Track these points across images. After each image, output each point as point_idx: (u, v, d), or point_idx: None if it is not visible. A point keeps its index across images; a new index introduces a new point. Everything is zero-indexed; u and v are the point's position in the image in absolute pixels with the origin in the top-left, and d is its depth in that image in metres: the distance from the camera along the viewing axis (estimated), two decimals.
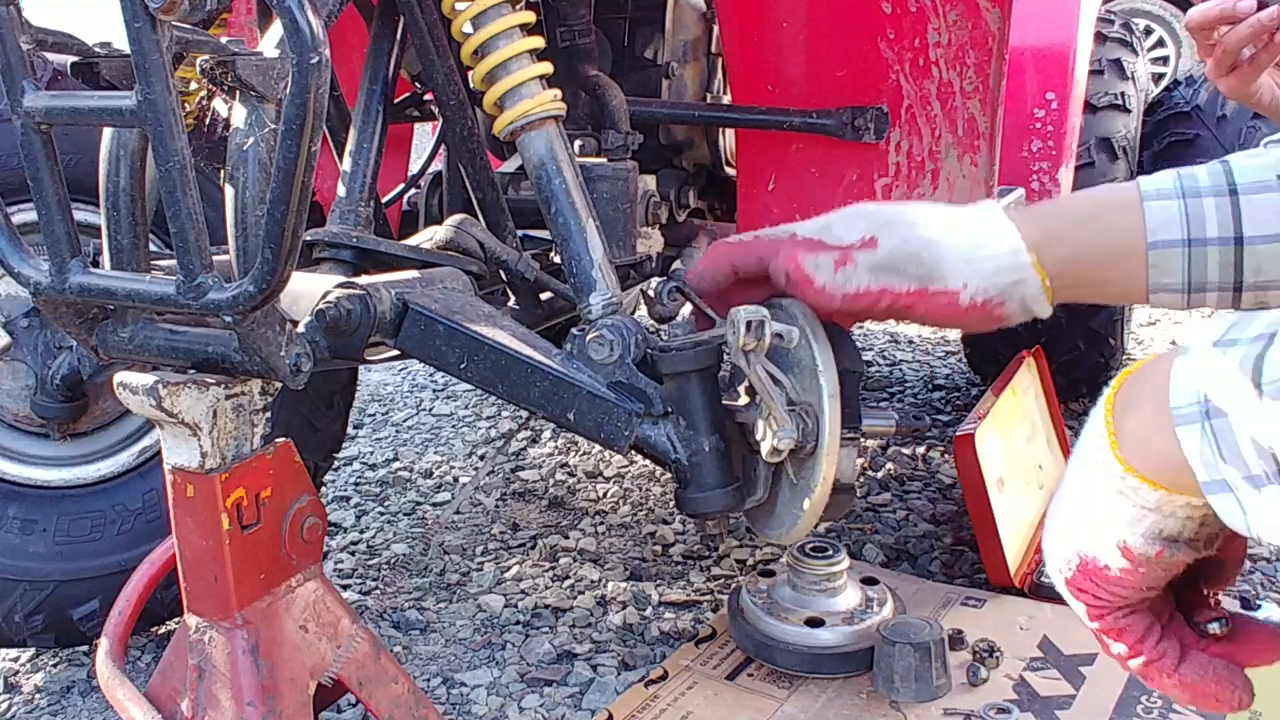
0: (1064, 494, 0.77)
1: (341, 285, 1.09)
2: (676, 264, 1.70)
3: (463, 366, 1.10)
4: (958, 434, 1.65)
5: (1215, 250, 0.80)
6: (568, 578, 1.93)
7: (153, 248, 1.16)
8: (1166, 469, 0.68)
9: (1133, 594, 0.74)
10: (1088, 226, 0.85)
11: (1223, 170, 0.82)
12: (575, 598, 1.85)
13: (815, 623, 1.49)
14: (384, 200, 1.58)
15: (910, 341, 3.35)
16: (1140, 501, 0.70)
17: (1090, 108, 2.30)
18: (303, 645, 1.03)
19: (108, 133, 0.99)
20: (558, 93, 1.26)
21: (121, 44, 0.85)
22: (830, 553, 1.54)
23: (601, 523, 2.15)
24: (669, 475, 1.27)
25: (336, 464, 2.49)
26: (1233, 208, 0.80)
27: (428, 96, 1.73)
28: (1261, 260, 0.79)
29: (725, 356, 1.12)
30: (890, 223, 0.91)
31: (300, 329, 1.07)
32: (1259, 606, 1.61)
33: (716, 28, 1.87)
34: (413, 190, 1.90)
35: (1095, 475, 0.73)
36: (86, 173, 1.13)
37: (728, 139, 1.88)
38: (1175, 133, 2.41)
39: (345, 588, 1.93)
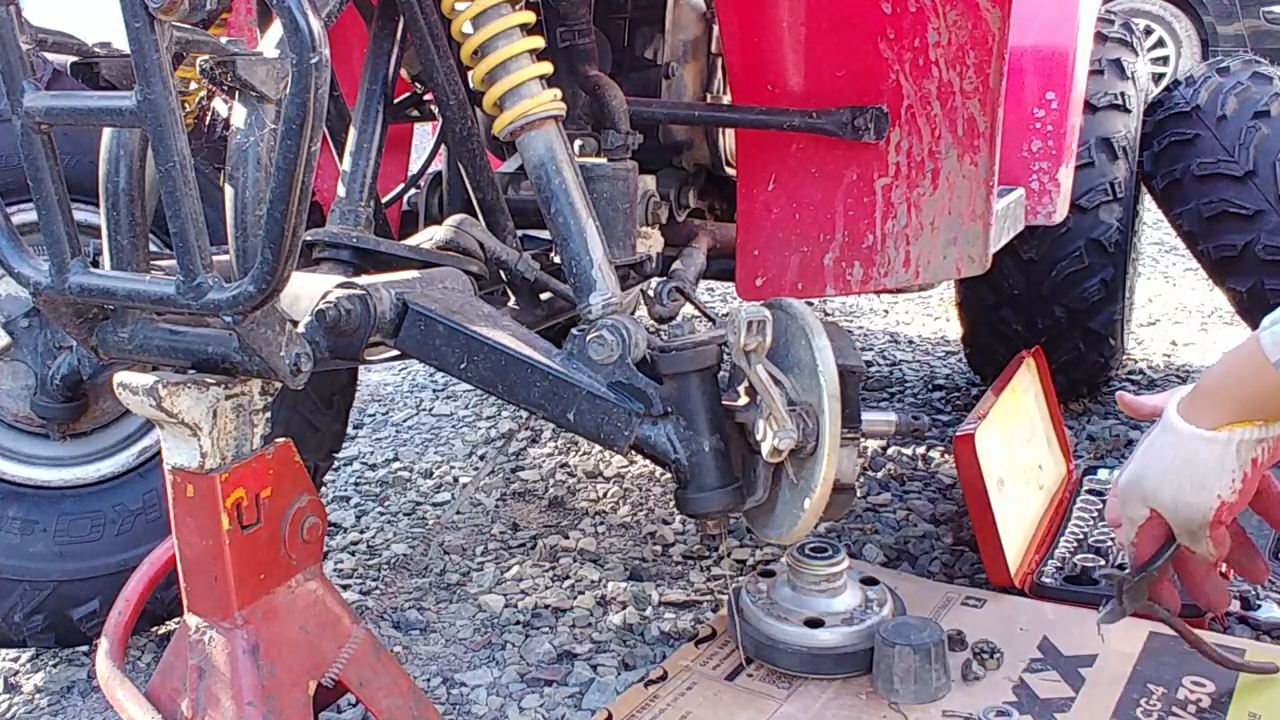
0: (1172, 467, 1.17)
1: (341, 285, 1.09)
2: (676, 264, 1.70)
3: (463, 366, 1.10)
4: (958, 434, 1.65)
5: None
6: (568, 578, 1.93)
7: (153, 248, 1.16)
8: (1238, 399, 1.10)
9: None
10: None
11: None
12: (575, 598, 1.85)
13: (815, 623, 1.49)
14: (384, 200, 1.58)
15: (910, 342, 3.35)
16: (1231, 438, 1.11)
17: (1090, 108, 2.30)
18: (303, 645, 1.03)
19: (108, 133, 0.99)
20: (558, 93, 1.26)
21: (121, 44, 0.85)
22: (830, 553, 1.54)
23: (601, 523, 2.15)
24: (669, 475, 1.27)
25: (336, 464, 2.49)
26: None
27: (428, 96, 1.73)
28: None
29: (725, 357, 1.12)
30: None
31: (300, 329, 1.07)
32: (1259, 606, 1.60)
33: (716, 28, 1.87)
34: (413, 190, 1.90)
35: (1189, 447, 1.14)
36: (86, 173, 1.13)
37: (728, 139, 1.88)
38: (1175, 133, 2.41)
39: (345, 588, 1.93)
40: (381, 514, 2.27)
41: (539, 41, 1.26)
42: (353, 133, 1.38)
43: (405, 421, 2.85)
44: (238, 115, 0.91)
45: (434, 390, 3.08)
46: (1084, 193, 2.25)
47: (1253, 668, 1.34)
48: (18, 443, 1.67)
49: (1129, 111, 2.35)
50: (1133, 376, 2.88)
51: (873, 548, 1.96)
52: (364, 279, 1.13)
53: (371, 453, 2.63)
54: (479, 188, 1.45)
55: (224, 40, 0.90)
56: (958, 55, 1.49)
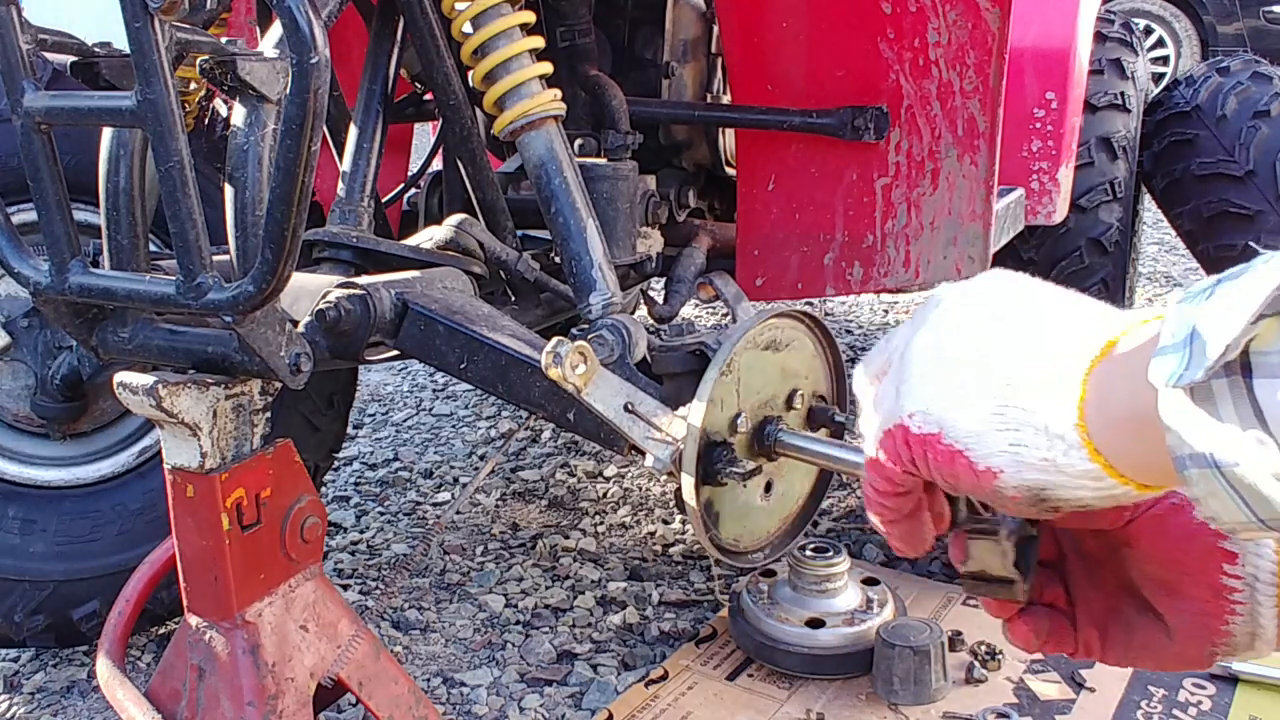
0: (987, 362, 0.64)
1: (341, 285, 1.09)
2: (684, 260, 1.70)
3: (463, 366, 1.10)
4: None
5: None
6: (568, 578, 1.93)
7: (152, 248, 1.16)
8: (1137, 453, 0.57)
9: (943, 485, 0.68)
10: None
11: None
12: (575, 598, 1.85)
13: (816, 623, 1.48)
14: (384, 200, 1.58)
15: None
16: (1060, 460, 0.60)
17: (1090, 108, 2.30)
18: (303, 645, 1.03)
19: (108, 133, 0.99)
20: (558, 93, 1.26)
21: (121, 44, 0.85)
22: (831, 553, 1.54)
23: (601, 523, 2.15)
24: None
25: (336, 464, 2.49)
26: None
27: (428, 96, 1.73)
28: None
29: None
30: None
31: (300, 329, 1.07)
32: None
33: (716, 28, 1.87)
34: (413, 190, 1.89)
35: (1035, 398, 0.62)
36: (86, 173, 1.13)
37: (728, 139, 1.88)
38: (1175, 133, 2.41)
39: (345, 588, 1.93)
40: (381, 514, 2.27)
41: (539, 41, 1.26)
42: (353, 133, 1.38)
43: (405, 421, 2.85)
44: (238, 115, 0.91)
45: (434, 390, 3.08)
46: (1084, 193, 2.25)
47: None
48: (18, 443, 1.67)
49: (1129, 111, 2.35)
50: None
51: (873, 548, 1.96)
52: (364, 279, 1.13)
53: (371, 453, 2.63)
54: (479, 188, 1.45)
55: (224, 40, 0.90)
56: (958, 55, 1.49)
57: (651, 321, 1.63)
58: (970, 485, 0.65)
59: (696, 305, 3.72)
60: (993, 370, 0.64)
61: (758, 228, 1.68)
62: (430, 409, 2.93)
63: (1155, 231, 4.46)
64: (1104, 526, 0.73)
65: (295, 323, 1.08)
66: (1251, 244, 2.15)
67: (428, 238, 1.35)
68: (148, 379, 0.93)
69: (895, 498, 0.72)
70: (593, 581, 1.91)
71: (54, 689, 1.69)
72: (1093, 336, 0.63)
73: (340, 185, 1.36)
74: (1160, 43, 7.74)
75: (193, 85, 1.53)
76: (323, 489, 2.30)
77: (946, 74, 1.51)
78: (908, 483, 0.70)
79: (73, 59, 1.09)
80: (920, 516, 0.73)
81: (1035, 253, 2.33)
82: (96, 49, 1.10)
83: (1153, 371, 0.54)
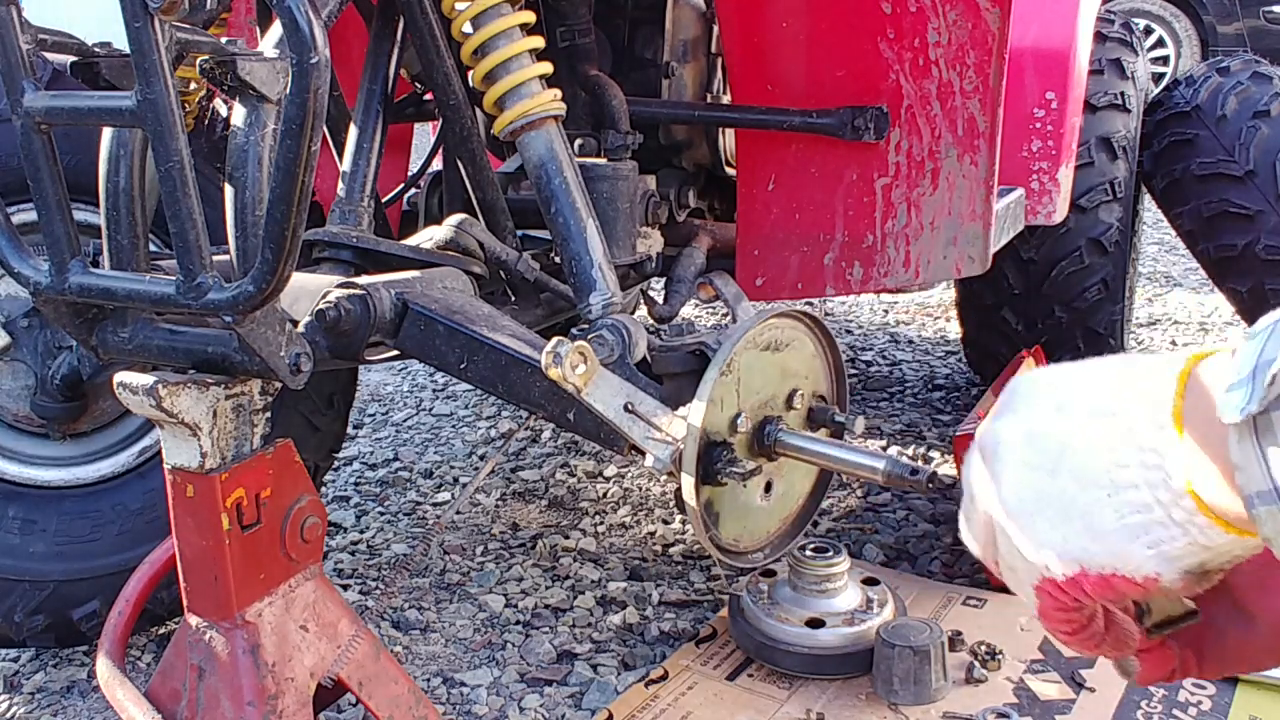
0: (1079, 481, 0.64)
1: (341, 285, 1.09)
2: (681, 260, 1.70)
3: (463, 366, 1.10)
4: (957, 434, 1.65)
5: None
6: (568, 578, 1.93)
7: (152, 248, 1.16)
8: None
9: (1115, 604, 0.69)
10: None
11: None
12: (575, 598, 1.85)
13: (816, 623, 1.48)
14: (384, 200, 1.58)
15: (910, 342, 3.35)
16: (1201, 539, 0.60)
17: (1090, 107, 2.30)
18: (303, 645, 1.03)
19: (108, 133, 0.99)
20: (557, 93, 1.26)
21: (121, 44, 0.85)
22: (831, 553, 1.54)
23: (601, 523, 2.15)
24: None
25: (336, 464, 2.49)
26: None
27: (428, 96, 1.74)
28: None
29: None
30: None
31: (300, 329, 1.07)
32: None
33: (716, 28, 1.87)
34: (413, 190, 1.90)
35: (1145, 495, 0.61)
36: (86, 173, 1.13)
37: (728, 139, 1.88)
38: (1175, 133, 2.41)
39: (345, 588, 1.93)
40: (381, 514, 2.27)
41: (539, 41, 1.26)
42: (353, 133, 1.38)
43: (405, 421, 2.85)
44: (238, 115, 0.91)
45: (434, 390, 3.08)
46: (1084, 193, 2.25)
47: None
48: (18, 443, 1.67)
49: (1129, 111, 2.35)
50: None
51: (873, 548, 1.96)
52: (364, 279, 1.13)
53: (371, 453, 2.63)
54: (479, 188, 1.45)
55: (224, 40, 0.90)
56: (958, 55, 1.49)
57: (651, 321, 1.63)
58: (1139, 595, 0.65)
59: (696, 305, 3.72)
60: (1089, 485, 0.64)
61: (758, 228, 1.68)
62: (430, 409, 2.93)
63: (1155, 231, 4.46)
64: None
65: (295, 323, 1.08)
66: None
67: (428, 238, 1.35)
68: (148, 379, 0.93)
69: (1083, 632, 0.72)
70: (593, 581, 1.91)
71: (54, 689, 1.69)
72: (1157, 406, 0.62)
73: (340, 185, 1.37)
74: (1160, 43, 7.75)
75: (193, 85, 1.53)
76: (323, 489, 2.30)
77: (946, 74, 1.51)
78: (1083, 616, 0.70)
79: (73, 59, 1.09)
80: (1114, 622, 0.73)
81: (1035, 253, 2.33)
82: (96, 49, 1.10)
83: (1220, 408, 0.53)
